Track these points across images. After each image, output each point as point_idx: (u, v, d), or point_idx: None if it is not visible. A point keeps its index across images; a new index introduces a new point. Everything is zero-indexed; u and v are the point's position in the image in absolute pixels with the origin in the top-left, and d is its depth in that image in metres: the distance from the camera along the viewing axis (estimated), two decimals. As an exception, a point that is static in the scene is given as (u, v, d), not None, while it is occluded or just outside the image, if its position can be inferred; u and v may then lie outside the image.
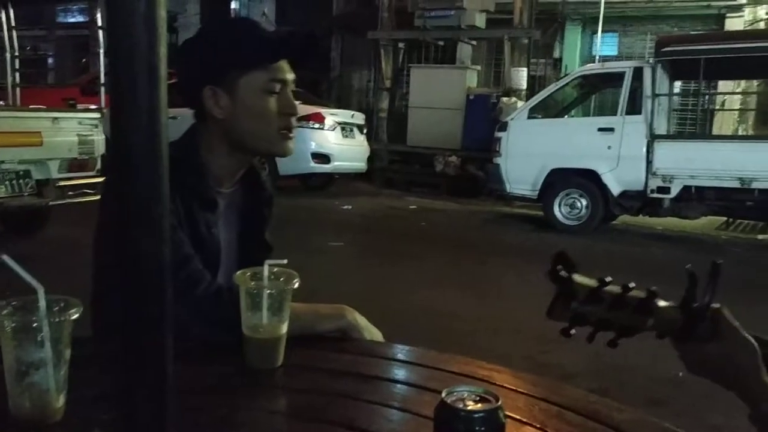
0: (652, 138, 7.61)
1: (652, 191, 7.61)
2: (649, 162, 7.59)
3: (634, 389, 3.29)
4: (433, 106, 11.87)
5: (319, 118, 9.56)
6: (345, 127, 10.08)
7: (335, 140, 9.75)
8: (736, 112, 12.44)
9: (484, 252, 6.77)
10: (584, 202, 7.97)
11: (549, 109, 9.00)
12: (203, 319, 1.12)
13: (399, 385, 1.08)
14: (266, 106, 1.28)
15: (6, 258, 0.83)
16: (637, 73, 7.84)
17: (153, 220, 0.60)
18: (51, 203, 5.68)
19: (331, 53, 16.01)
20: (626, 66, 8.27)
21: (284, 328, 1.08)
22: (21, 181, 5.33)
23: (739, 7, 12.37)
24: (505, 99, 10.78)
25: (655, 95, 7.68)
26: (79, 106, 6.67)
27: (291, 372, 1.08)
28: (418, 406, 0.94)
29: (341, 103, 13.47)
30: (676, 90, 9.76)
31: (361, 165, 10.54)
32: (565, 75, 10.50)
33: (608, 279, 0.85)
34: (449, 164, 11.18)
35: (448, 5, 11.56)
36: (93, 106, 6.53)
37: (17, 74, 6.87)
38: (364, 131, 10.79)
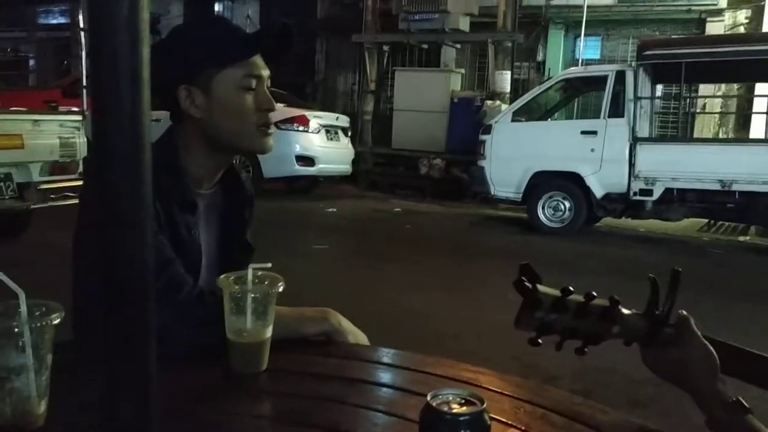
0: (635, 141, 7.67)
1: (635, 193, 7.68)
2: (631, 164, 7.65)
3: (618, 391, 3.31)
4: (418, 109, 11.91)
5: (304, 121, 9.54)
6: (329, 130, 10.08)
7: (320, 143, 9.74)
8: (717, 115, 12.58)
9: (468, 254, 6.79)
10: (568, 205, 8.02)
11: (532, 112, 9.05)
12: (186, 324, 1.11)
13: (384, 389, 1.08)
14: (243, 102, 1.27)
15: (-14, 262, 0.82)
16: (620, 76, 7.91)
17: (135, 224, 0.60)
18: (32, 207, 5.61)
19: (316, 56, 16.01)
20: (609, 69, 8.33)
21: (268, 332, 1.07)
22: (2, 184, 5.26)
23: (719, 12, 12.51)
24: (489, 102, 10.83)
25: (637, 98, 7.75)
26: (61, 109, 6.63)
27: (276, 376, 1.07)
28: (404, 410, 0.94)
29: (326, 106, 13.45)
30: (658, 93, 9.86)
31: (345, 168, 10.54)
32: (549, 78, 10.56)
33: (571, 288, 0.87)
34: (434, 167, 11.20)
35: (432, 9, 11.61)
36: (75, 109, 6.49)
37: (-3, 76, 6.81)
38: (349, 134, 10.78)
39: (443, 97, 11.78)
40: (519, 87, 12.22)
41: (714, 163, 7.34)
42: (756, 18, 12.43)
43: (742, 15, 12.68)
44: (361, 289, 4.99)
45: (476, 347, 3.85)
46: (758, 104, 10.32)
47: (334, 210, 9.24)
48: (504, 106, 10.05)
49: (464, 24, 11.94)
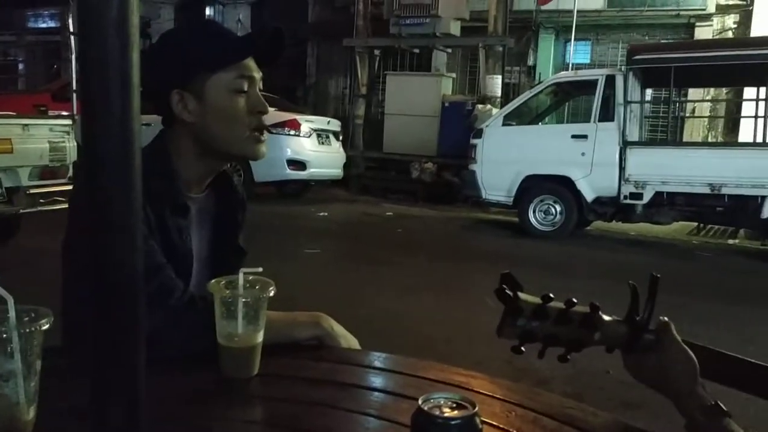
0: (625, 145, 7.70)
1: (625, 197, 7.71)
2: (621, 168, 7.69)
3: (610, 393, 3.31)
4: (409, 113, 11.92)
5: (295, 125, 9.53)
6: (321, 134, 10.07)
7: (311, 147, 9.73)
8: (706, 120, 12.66)
9: (460, 258, 6.79)
10: (559, 208, 8.04)
11: (523, 116, 9.07)
12: (177, 329, 1.11)
13: (376, 393, 1.07)
14: (235, 106, 1.27)
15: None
16: (610, 80, 7.94)
17: (125, 228, 0.59)
18: (21, 211, 5.58)
19: (307, 60, 16.01)
20: (599, 74, 8.37)
21: (260, 337, 1.07)
22: (-9, 188, 5.24)
23: (707, 17, 12.60)
24: (480, 106, 10.85)
25: (627, 102, 7.79)
26: (51, 113, 6.59)
27: (267, 381, 1.07)
28: (396, 414, 0.94)
29: (317, 110, 13.46)
30: (648, 97, 9.91)
31: (337, 172, 10.54)
32: (539, 82, 10.60)
33: (551, 295, 0.87)
34: (425, 171, 11.21)
35: (423, 13, 11.63)
36: (65, 113, 6.46)
37: (-14, 80, 6.78)
38: (340, 138, 10.78)
39: (434, 101, 11.80)
40: (510, 91, 12.26)
41: (703, 166, 7.38)
42: (744, 23, 12.52)
43: (731, 20, 12.78)
44: (353, 293, 4.99)
45: (468, 351, 3.86)
46: (747, 108, 10.38)
47: (326, 214, 9.23)
48: (495, 111, 10.08)
49: (455, 28, 11.97)
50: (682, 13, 12.63)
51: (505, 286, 0.87)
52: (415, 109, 11.86)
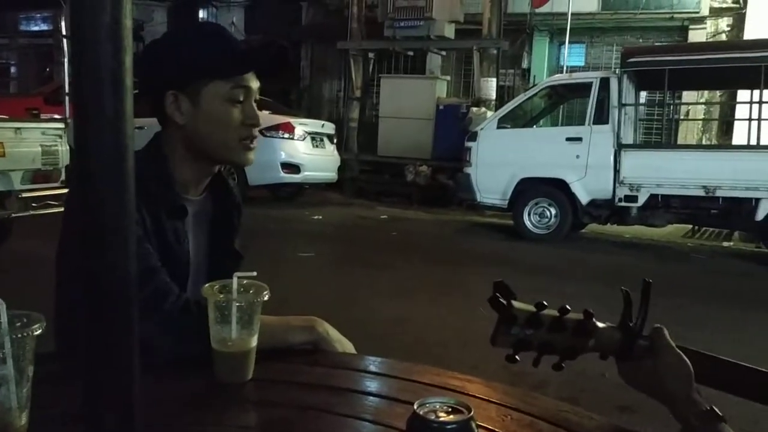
0: (619, 147, 7.72)
1: (620, 200, 7.72)
2: (616, 171, 7.70)
3: (606, 397, 3.31)
4: (404, 116, 11.93)
5: (289, 128, 9.52)
6: (315, 137, 10.07)
7: (305, 150, 9.73)
8: (700, 122, 12.71)
9: (455, 261, 6.80)
10: (553, 211, 8.06)
11: (518, 119, 9.09)
12: (171, 334, 1.10)
13: (371, 398, 1.07)
14: (228, 115, 1.26)
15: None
16: (604, 83, 7.96)
17: (118, 232, 0.59)
18: (14, 215, 5.55)
19: (301, 63, 16.01)
20: (593, 76, 8.39)
21: (254, 342, 1.06)
22: (-18, 192, 5.22)
23: (701, 20, 12.66)
24: (474, 109, 10.87)
25: (621, 105, 7.81)
26: (43, 116, 6.57)
27: (261, 386, 1.07)
28: (391, 418, 0.94)
29: (311, 113, 13.46)
30: (642, 100, 9.94)
31: (331, 175, 10.53)
32: (534, 85, 10.63)
33: (545, 303, 0.87)
34: (420, 174, 11.22)
35: (418, 16, 11.65)
36: (57, 116, 6.44)
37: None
38: (335, 141, 10.78)
39: (429, 104, 11.81)
40: (504, 94, 12.28)
41: (698, 169, 7.40)
42: (737, 25, 12.58)
43: (724, 23, 12.84)
44: (348, 296, 4.98)
45: (463, 355, 3.85)
46: (740, 111, 10.42)
47: (320, 217, 9.23)
48: (489, 113, 10.09)
49: (449, 31, 11.99)
50: (675, 15, 12.68)
51: (498, 295, 0.86)
52: (409, 112, 11.87)
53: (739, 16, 12.56)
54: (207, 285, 1.06)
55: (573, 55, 12.90)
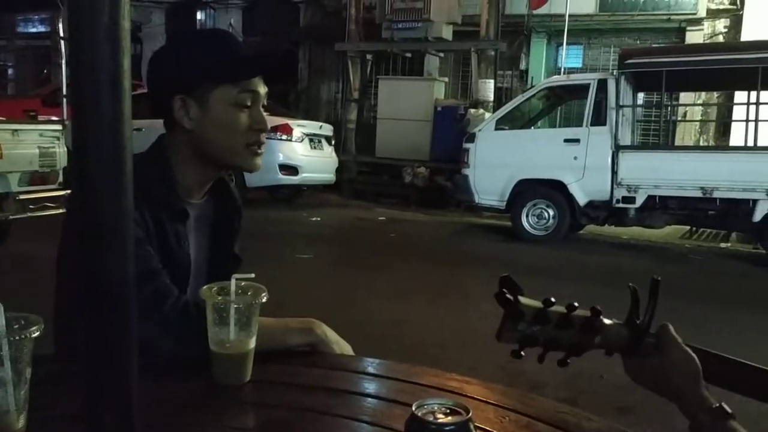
0: (617, 149, 7.73)
1: (618, 201, 7.73)
2: (614, 172, 7.71)
3: (604, 398, 3.32)
4: (401, 118, 11.93)
5: (287, 130, 9.52)
6: (313, 139, 10.07)
7: (303, 152, 9.73)
8: (698, 123, 12.73)
9: (453, 263, 6.80)
10: (551, 213, 8.06)
11: (516, 121, 9.10)
12: (170, 335, 1.11)
13: (369, 399, 1.07)
14: (236, 120, 1.27)
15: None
16: (602, 84, 7.97)
17: (116, 233, 0.59)
18: (11, 217, 5.55)
19: (299, 64, 16.00)
20: (591, 78, 8.40)
21: (252, 343, 1.06)
22: (-21, 195, 5.21)
23: (698, 21, 12.68)
24: (472, 110, 10.87)
25: (619, 106, 7.82)
26: (41, 118, 6.56)
27: (260, 387, 1.07)
28: (389, 420, 0.94)
29: (309, 115, 13.45)
30: (640, 101, 9.95)
31: (329, 176, 10.53)
32: (531, 87, 10.64)
33: (553, 299, 0.87)
34: (418, 175, 11.22)
35: (415, 17, 11.66)
36: (55, 118, 6.43)
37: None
38: (333, 143, 10.78)
39: (427, 105, 11.81)
40: (502, 95, 12.29)
41: (695, 170, 7.42)
42: (734, 27, 12.61)
43: (721, 24, 12.86)
44: (346, 298, 4.98)
45: (461, 356, 3.85)
46: (738, 112, 10.44)
47: (318, 219, 9.23)
48: (487, 115, 10.09)
49: (447, 33, 12.00)
50: (673, 17, 12.70)
51: (505, 290, 0.86)
52: (407, 113, 11.87)
53: (736, 18, 12.59)
54: (205, 287, 1.06)
55: (570, 56, 12.91)
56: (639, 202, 7.66)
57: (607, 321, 0.92)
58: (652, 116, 11.57)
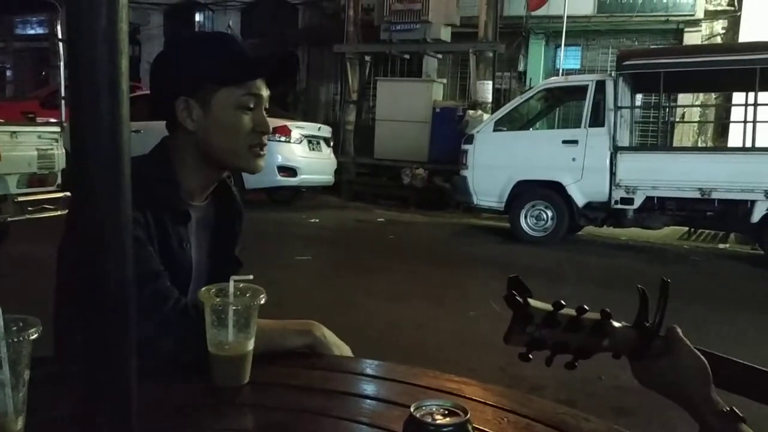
0: (615, 150, 7.74)
1: (616, 202, 7.74)
2: (612, 173, 7.72)
3: (603, 399, 3.32)
4: (400, 119, 11.94)
5: (286, 131, 9.52)
6: (312, 140, 10.07)
7: (302, 153, 9.72)
8: (696, 124, 12.74)
9: (451, 264, 6.80)
10: (550, 214, 8.06)
11: (514, 122, 9.11)
12: (170, 337, 1.10)
13: (368, 401, 1.07)
14: (239, 122, 1.27)
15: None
16: (600, 86, 7.98)
17: (115, 236, 0.59)
18: (9, 219, 5.54)
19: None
20: (589, 79, 8.41)
21: (250, 345, 1.06)
22: (-22, 197, 5.21)
23: (696, 22, 12.70)
24: (470, 112, 10.88)
25: (617, 108, 7.83)
26: (39, 120, 6.55)
27: (258, 389, 1.06)
28: (387, 421, 0.94)
29: (308, 116, 13.45)
30: (638, 103, 9.95)
31: (328, 178, 10.52)
32: (530, 88, 10.64)
33: (563, 302, 0.86)
34: (416, 177, 11.22)
35: (414, 19, 11.66)
36: (53, 120, 6.42)
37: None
38: (331, 144, 10.78)
39: (425, 107, 11.82)
40: (500, 97, 12.30)
41: (693, 171, 7.42)
42: (732, 28, 12.62)
43: (719, 25, 12.87)
44: (345, 300, 4.98)
45: (460, 358, 3.85)
46: (736, 113, 10.44)
47: (317, 221, 9.22)
48: (486, 116, 10.10)
49: (446, 34, 12.00)
50: (671, 18, 12.71)
51: (514, 292, 0.84)
52: (406, 114, 11.88)
53: (733, 19, 12.60)
54: (203, 289, 1.06)
55: (569, 57, 12.92)
56: (637, 203, 7.66)
57: (616, 324, 0.91)
58: (650, 117, 11.57)
